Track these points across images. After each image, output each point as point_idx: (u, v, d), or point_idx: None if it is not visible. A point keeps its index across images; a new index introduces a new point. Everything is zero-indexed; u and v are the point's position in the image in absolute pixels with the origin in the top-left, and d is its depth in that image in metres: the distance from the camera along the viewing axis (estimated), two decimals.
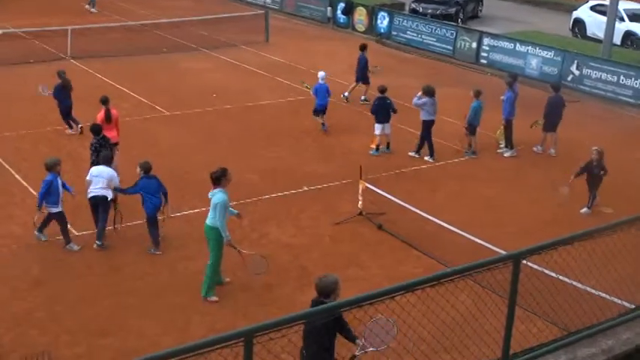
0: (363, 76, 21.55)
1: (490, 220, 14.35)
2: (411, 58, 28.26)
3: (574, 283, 9.61)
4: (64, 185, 12.63)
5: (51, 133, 18.16)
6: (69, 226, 12.86)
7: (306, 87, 20.21)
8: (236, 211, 11.70)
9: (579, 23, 32.35)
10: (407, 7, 34.99)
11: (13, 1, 34.44)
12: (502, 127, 18.09)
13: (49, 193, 12.31)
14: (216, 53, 27.45)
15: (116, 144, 15.31)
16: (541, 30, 31.55)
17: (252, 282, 11.61)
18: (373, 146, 17.77)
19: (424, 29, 29.04)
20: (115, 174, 12.96)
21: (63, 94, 17.88)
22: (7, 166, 16.11)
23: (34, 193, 14.52)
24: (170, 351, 4.12)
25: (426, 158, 17.45)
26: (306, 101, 19.65)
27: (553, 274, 8.08)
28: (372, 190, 14.31)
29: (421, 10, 33.41)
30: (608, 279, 8.98)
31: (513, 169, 17.39)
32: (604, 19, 26.49)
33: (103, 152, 13.41)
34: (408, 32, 29.59)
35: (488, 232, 13.19)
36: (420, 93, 17.39)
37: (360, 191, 14.23)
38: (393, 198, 14.10)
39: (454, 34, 27.94)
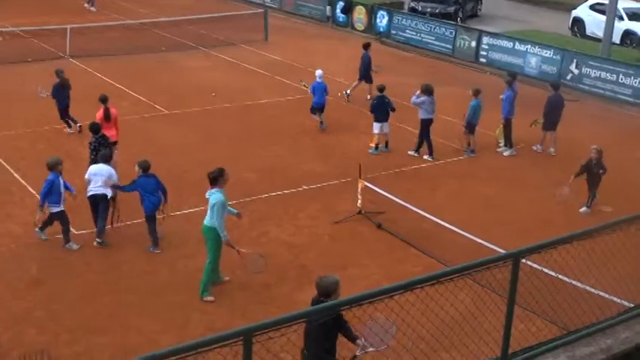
0: (366, 74, 21.52)
1: (489, 219, 14.35)
2: (410, 56, 28.26)
3: (573, 282, 9.61)
4: (65, 185, 12.62)
5: (50, 132, 18.15)
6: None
7: (304, 85, 20.20)
8: (236, 211, 11.70)
9: (578, 22, 32.36)
10: (406, 6, 35.01)
11: (13, 0, 34.40)
12: (501, 125, 18.10)
13: (50, 193, 12.31)
14: (215, 52, 27.44)
15: (115, 143, 15.31)
16: (540, 29, 31.58)
17: (251, 281, 11.61)
18: (372, 145, 17.77)
19: (423, 28, 29.04)
20: (114, 172, 12.97)
21: (61, 92, 17.87)
22: (5, 165, 16.10)
23: (33, 192, 14.54)
24: (169, 350, 4.12)
25: (426, 157, 17.45)
26: (305, 100, 19.63)
27: (552, 273, 8.06)
28: (371, 189, 14.31)
29: (420, 8, 33.41)
30: (608, 278, 8.98)
31: (513, 168, 17.39)
32: (603, 18, 26.49)
33: (101, 151, 13.41)
34: (407, 31, 29.58)
35: (488, 231, 13.20)
36: (418, 92, 17.38)
37: (359, 190, 14.22)
38: (392, 197, 14.10)
39: (453, 32, 27.93)
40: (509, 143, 18.06)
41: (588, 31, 31.43)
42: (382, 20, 30.64)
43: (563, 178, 15.10)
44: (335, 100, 21.04)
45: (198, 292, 11.26)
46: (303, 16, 34.52)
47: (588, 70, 23.56)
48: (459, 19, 33.29)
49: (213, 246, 11.14)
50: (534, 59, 25.00)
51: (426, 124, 17.38)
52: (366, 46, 21.81)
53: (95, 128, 14.33)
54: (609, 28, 25.07)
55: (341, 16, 32.61)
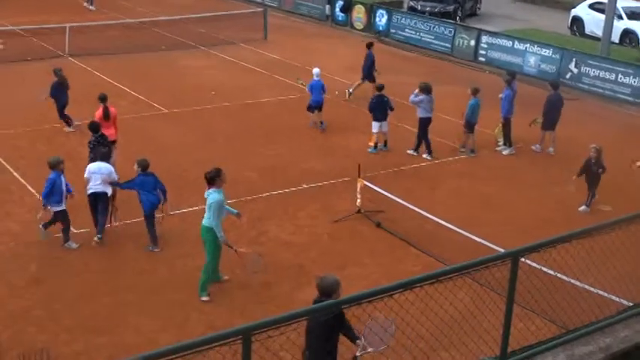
0: (369, 74, 21.48)
1: (489, 218, 14.35)
2: (410, 55, 28.25)
3: (572, 281, 9.64)
4: (66, 184, 12.61)
5: (49, 131, 18.14)
6: None
7: (302, 84, 20.20)
8: (235, 211, 11.69)
9: (578, 21, 32.36)
10: (405, 5, 35.00)
11: None
12: (500, 124, 18.10)
13: (52, 192, 12.30)
14: (214, 51, 27.43)
15: (114, 142, 15.31)
16: (539, 28, 31.58)
17: (251, 280, 11.61)
18: (371, 144, 17.76)
19: (422, 27, 29.03)
20: (113, 169, 12.98)
21: (60, 91, 17.87)
22: (5, 164, 16.10)
23: (32, 190, 14.54)
24: (169, 348, 4.12)
25: (425, 156, 17.45)
26: (305, 99, 19.62)
27: (551, 272, 8.06)
28: (370, 188, 14.31)
29: (419, 7, 33.41)
30: (607, 277, 8.99)
31: (512, 167, 17.39)
32: (602, 17, 26.49)
33: (100, 149, 13.42)
34: (407, 30, 29.58)
35: (487, 230, 13.20)
36: (416, 90, 17.37)
37: (358, 189, 14.22)
38: (391, 196, 14.11)
39: (452, 31, 27.93)
40: (508, 142, 18.06)
41: (587, 30, 31.43)
42: (381, 19, 30.64)
43: (562, 178, 15.12)
44: (333, 98, 21.04)
45: (197, 291, 11.27)
46: (303, 15, 34.51)
47: (587, 69, 23.57)
48: (458, 18, 33.29)
49: (211, 246, 11.14)
50: (533, 58, 25.00)
51: (424, 123, 17.37)
52: (370, 46, 21.79)
53: (94, 127, 14.33)
54: (608, 27, 25.08)
55: (340, 15, 32.59)
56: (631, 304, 6.94)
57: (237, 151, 17.27)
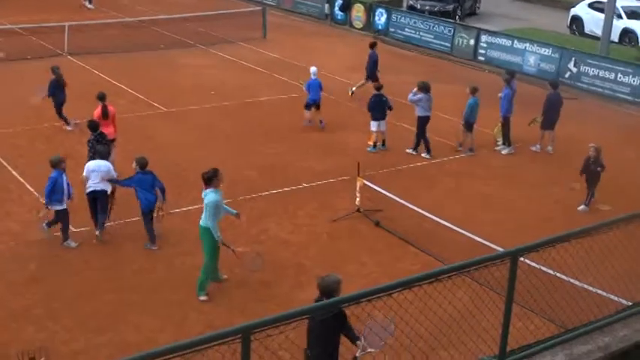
0: (372, 74, 21.44)
1: (487, 218, 14.36)
2: (409, 55, 28.25)
3: (571, 280, 9.65)
4: (67, 184, 12.60)
5: (48, 130, 18.13)
6: None
7: (300, 82, 20.20)
8: (235, 211, 11.67)
9: (577, 20, 32.36)
10: (405, 4, 34.98)
11: None
12: (500, 124, 18.10)
13: (53, 191, 12.29)
14: (213, 50, 27.42)
15: (113, 140, 15.31)
16: (539, 27, 31.58)
17: (250, 279, 11.61)
18: (370, 143, 17.76)
19: (422, 26, 29.02)
20: (112, 166, 12.99)
21: (57, 89, 17.87)
22: (4, 163, 16.09)
23: (31, 189, 14.55)
24: (168, 347, 4.12)
25: (424, 155, 17.45)
26: (304, 98, 19.60)
27: (550, 272, 8.06)
28: (369, 187, 14.31)
29: (419, 6, 33.40)
30: (606, 276, 8.99)
31: (511, 166, 17.39)
32: (602, 16, 26.51)
33: (98, 147, 13.42)
34: (406, 29, 29.57)
35: (486, 229, 13.20)
36: (415, 89, 17.38)
37: (357, 188, 14.22)
38: (390, 195, 14.11)
39: (452, 31, 27.93)
40: (507, 141, 18.06)
41: (587, 30, 31.43)
42: (381, 18, 30.62)
43: (562, 177, 15.12)
44: (332, 97, 21.03)
45: (196, 290, 11.27)
46: (302, 13, 34.50)
47: (587, 68, 23.57)
48: (457, 17, 33.27)
49: (208, 247, 11.14)
50: (533, 57, 25.00)
51: (423, 122, 17.38)
52: (373, 45, 21.76)
53: (93, 126, 14.32)
54: (608, 26, 25.09)
55: (339, 14, 32.59)
56: (630, 303, 6.94)
57: (236, 150, 17.26)
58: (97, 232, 12.79)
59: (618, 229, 6.40)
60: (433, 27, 28.65)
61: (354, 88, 21.61)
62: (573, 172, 15.23)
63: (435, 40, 28.36)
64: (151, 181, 12.46)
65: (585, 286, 9.85)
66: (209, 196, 10.93)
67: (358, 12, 31.72)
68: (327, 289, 7.45)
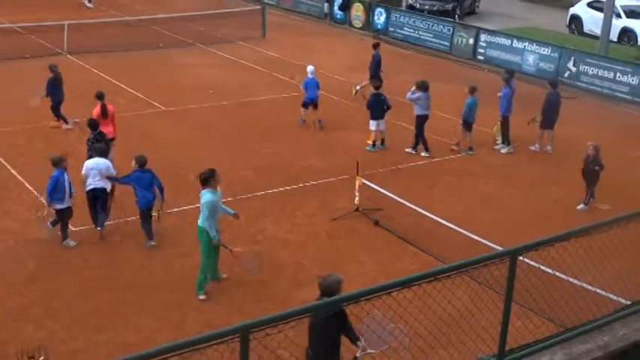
0: (375, 74, 21.41)
1: (487, 217, 14.35)
2: (408, 54, 28.25)
3: (570, 279, 9.65)
4: (69, 183, 12.58)
5: (47, 129, 18.10)
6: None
7: (298, 82, 20.19)
8: (233, 212, 11.67)
9: (576, 20, 32.38)
10: (404, 3, 34.99)
11: None
12: (499, 123, 18.10)
13: (55, 190, 12.28)
14: (213, 49, 27.41)
15: (113, 139, 15.30)
16: (538, 26, 31.60)
17: (248, 278, 11.60)
18: (369, 142, 17.76)
19: (421, 25, 29.03)
20: (111, 164, 13.01)
21: (56, 87, 17.85)
22: (3, 162, 16.08)
23: (30, 188, 14.54)
24: (166, 346, 4.11)
25: (423, 154, 17.45)
26: (303, 97, 19.59)
27: (549, 271, 8.06)
28: (368, 186, 14.31)
29: (418, 6, 33.41)
30: (605, 275, 8.99)
31: (510, 165, 17.39)
32: (601, 15, 26.52)
33: (96, 145, 13.42)
34: (405, 28, 29.57)
35: (485, 229, 13.21)
36: (413, 87, 17.38)
37: (356, 187, 14.22)
38: (389, 194, 14.11)
39: (451, 30, 27.93)
40: (506, 141, 18.06)
41: (586, 29, 31.45)
42: (380, 17, 30.63)
43: (562, 176, 15.11)
44: (331, 96, 21.02)
45: (195, 290, 11.27)
46: (301, 13, 34.50)
47: (586, 67, 23.58)
48: (456, 16, 33.28)
49: (205, 247, 11.14)
50: (532, 57, 25.01)
51: (421, 121, 17.37)
52: (376, 46, 21.74)
53: (93, 125, 14.34)
54: (607, 25, 25.10)
55: (339, 13, 32.60)
56: (629, 302, 6.94)
57: (235, 149, 17.26)
58: (97, 228, 12.80)
59: (617, 229, 6.40)
60: (432, 26, 28.65)
61: (358, 87, 21.58)
62: (573, 172, 15.22)
63: (434, 39, 28.37)
64: (149, 179, 12.46)
65: (584, 285, 9.85)
66: (206, 196, 10.95)
67: (357, 11, 31.73)
68: (329, 289, 7.43)
